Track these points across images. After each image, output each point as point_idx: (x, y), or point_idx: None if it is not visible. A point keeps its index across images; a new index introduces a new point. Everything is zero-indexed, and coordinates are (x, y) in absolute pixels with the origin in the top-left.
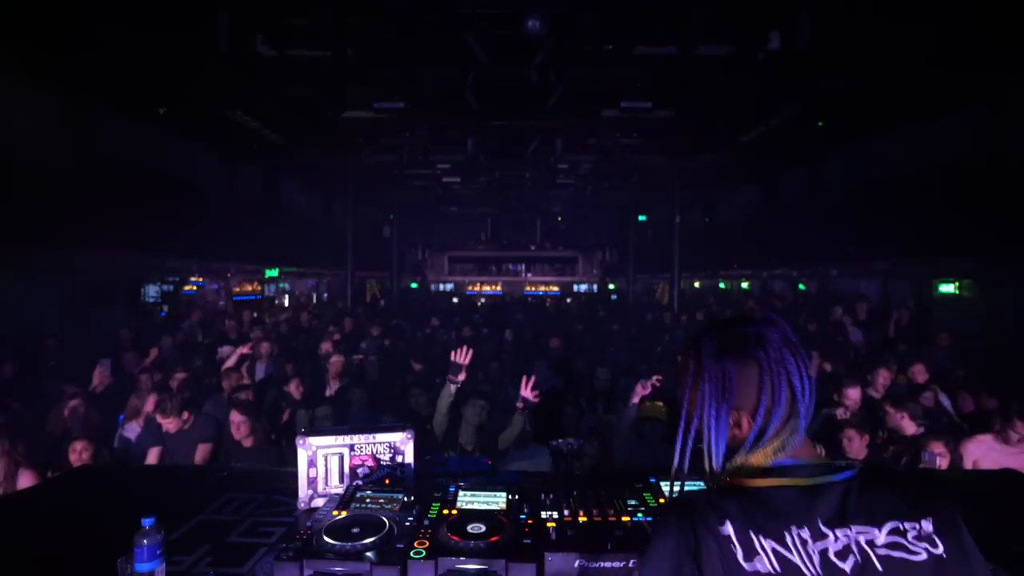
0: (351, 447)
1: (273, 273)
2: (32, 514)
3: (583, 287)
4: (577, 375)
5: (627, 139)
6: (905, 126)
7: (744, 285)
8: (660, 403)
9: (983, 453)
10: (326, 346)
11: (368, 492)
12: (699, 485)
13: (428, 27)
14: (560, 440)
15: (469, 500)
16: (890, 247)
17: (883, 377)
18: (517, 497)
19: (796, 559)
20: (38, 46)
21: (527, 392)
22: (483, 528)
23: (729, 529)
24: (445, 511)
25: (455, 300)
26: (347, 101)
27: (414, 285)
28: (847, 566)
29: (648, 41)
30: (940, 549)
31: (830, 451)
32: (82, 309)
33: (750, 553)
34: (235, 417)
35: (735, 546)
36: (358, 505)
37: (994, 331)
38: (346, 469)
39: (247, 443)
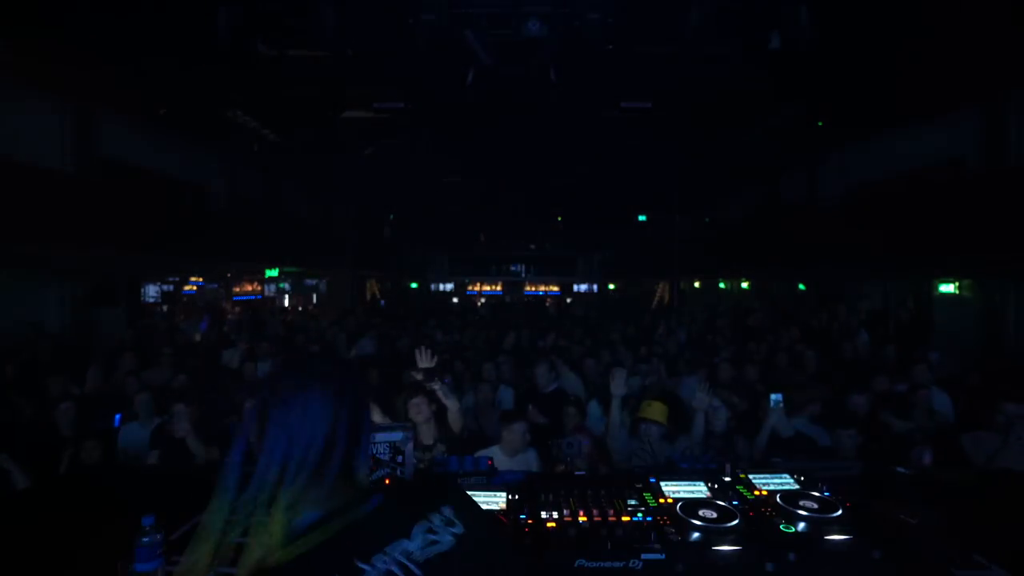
0: None
1: (273, 273)
2: (34, 513)
3: (583, 287)
4: (589, 376)
5: (627, 139)
6: (905, 126)
7: (744, 285)
8: (658, 403)
9: (981, 446)
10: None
11: None
12: (699, 484)
13: (428, 27)
14: (562, 440)
15: None
16: (890, 247)
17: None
18: (517, 497)
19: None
20: (38, 47)
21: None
22: None
23: None
24: None
25: (455, 300)
26: (347, 101)
27: (414, 285)
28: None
29: (648, 41)
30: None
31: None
32: (82, 309)
33: None
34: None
35: None
36: None
37: (994, 331)
38: None
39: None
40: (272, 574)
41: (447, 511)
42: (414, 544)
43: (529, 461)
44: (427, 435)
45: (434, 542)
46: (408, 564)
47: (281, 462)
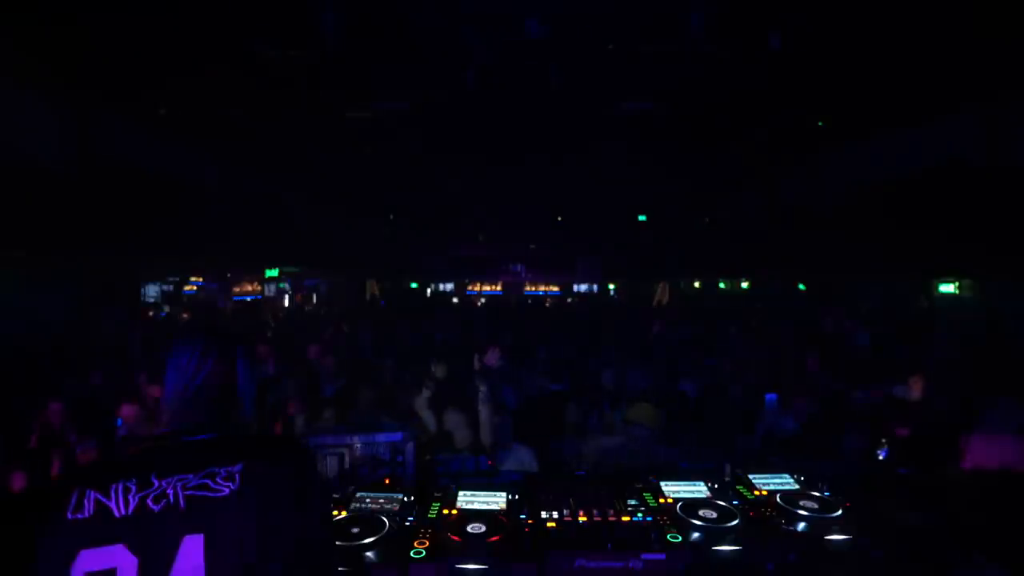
0: (351, 447)
1: (273, 273)
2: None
3: (583, 287)
4: (581, 375)
5: (627, 139)
6: (905, 126)
7: (744, 285)
8: (647, 404)
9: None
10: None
11: (368, 492)
12: (699, 484)
13: (428, 26)
14: (562, 441)
15: (469, 500)
16: (890, 247)
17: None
18: (517, 497)
19: (110, 504)
20: (37, 46)
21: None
22: (483, 528)
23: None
24: (445, 511)
25: (455, 300)
26: (347, 101)
27: (414, 285)
28: (158, 506)
29: (649, 41)
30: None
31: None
32: (82, 309)
33: (79, 506)
34: None
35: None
36: (358, 505)
37: (994, 331)
38: (346, 469)
39: None
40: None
41: (237, 468)
42: (193, 481)
43: (520, 454)
44: (462, 441)
45: (206, 487)
46: (178, 492)
47: (170, 394)
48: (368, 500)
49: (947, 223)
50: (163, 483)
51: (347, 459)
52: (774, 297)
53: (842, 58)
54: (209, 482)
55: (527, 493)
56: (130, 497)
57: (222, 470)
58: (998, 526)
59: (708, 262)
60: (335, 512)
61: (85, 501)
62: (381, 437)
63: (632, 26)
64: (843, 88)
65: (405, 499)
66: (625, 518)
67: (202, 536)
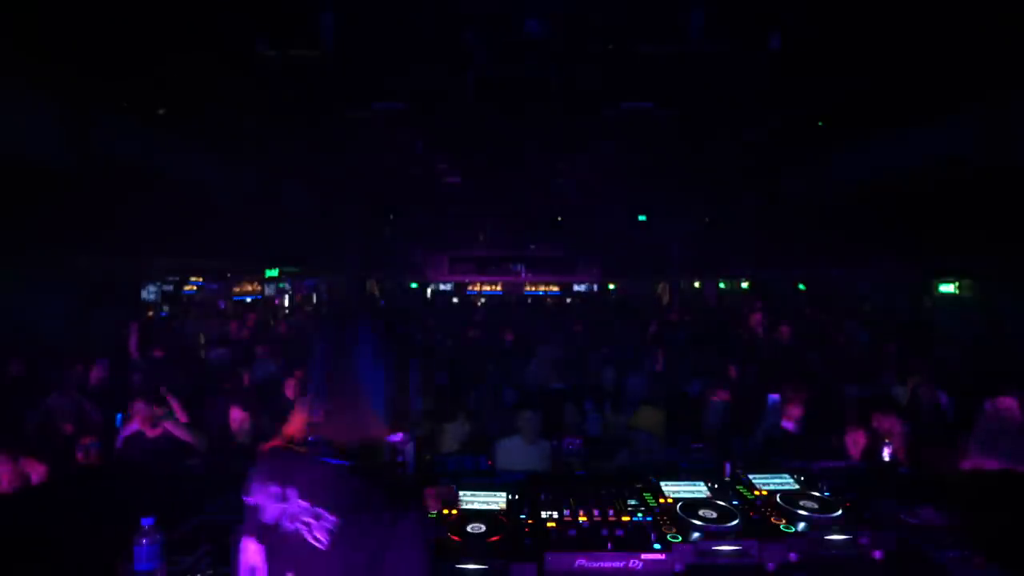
0: None
1: (273, 273)
2: (33, 513)
3: (583, 287)
4: (582, 374)
5: (628, 139)
6: (905, 126)
7: (744, 285)
8: (652, 408)
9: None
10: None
11: None
12: (699, 484)
13: (428, 27)
14: (563, 440)
15: (469, 500)
16: (890, 247)
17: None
18: (517, 497)
19: (262, 503)
20: (37, 45)
21: None
22: (483, 528)
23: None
24: (445, 511)
25: (455, 300)
26: (347, 101)
27: (414, 285)
28: (292, 526)
29: (649, 41)
30: (327, 545)
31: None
32: (82, 309)
33: (247, 491)
34: (235, 416)
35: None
36: None
37: (994, 331)
38: None
39: (248, 443)
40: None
41: (330, 523)
42: (307, 515)
43: (544, 448)
44: (452, 444)
45: (309, 527)
46: (297, 523)
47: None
48: None
49: (947, 223)
50: (299, 504)
51: None
52: (774, 297)
53: (842, 58)
54: (313, 524)
55: (527, 493)
56: (272, 507)
57: (327, 517)
58: (998, 526)
59: (708, 261)
60: None
61: (253, 490)
62: None
63: (631, 26)
64: (843, 88)
65: None
66: (625, 518)
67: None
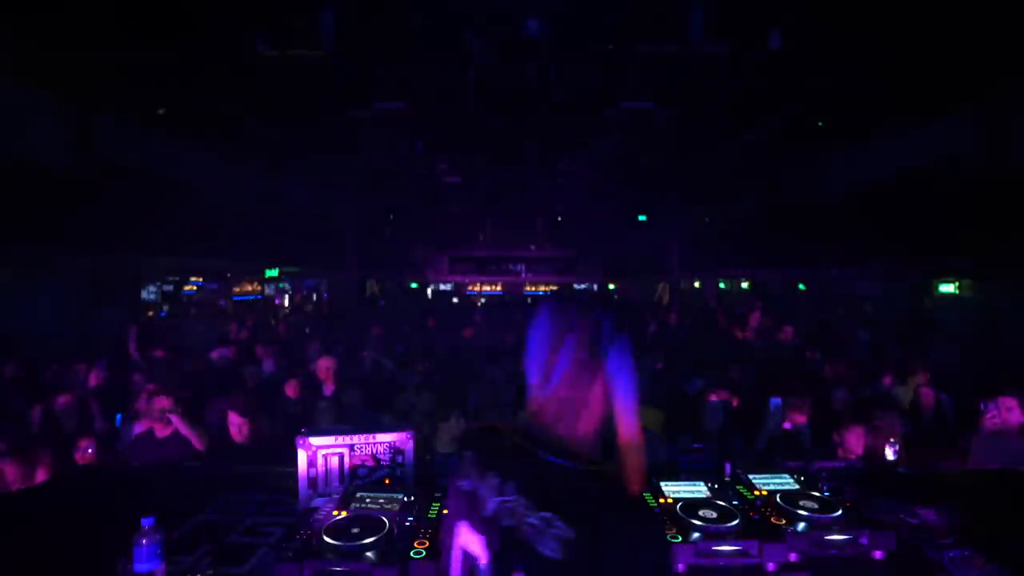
0: (351, 447)
1: (273, 273)
2: (33, 514)
3: (583, 287)
4: None
5: (628, 139)
6: (905, 126)
7: (744, 285)
8: (654, 408)
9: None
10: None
11: (368, 492)
12: (699, 484)
13: (428, 27)
14: None
15: None
16: (890, 247)
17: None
18: None
19: (482, 493)
20: (38, 46)
21: None
22: None
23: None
24: (445, 511)
25: (455, 300)
26: (347, 101)
27: (414, 285)
28: (506, 521)
29: (649, 41)
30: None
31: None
32: (82, 309)
33: (468, 475)
34: (235, 419)
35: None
36: (358, 505)
37: (993, 331)
38: (346, 469)
39: (247, 443)
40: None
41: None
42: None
43: None
44: (447, 446)
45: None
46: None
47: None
48: (368, 500)
49: (947, 223)
50: (515, 499)
51: (347, 459)
52: (775, 297)
53: (842, 58)
54: (542, 527)
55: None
56: (491, 496)
57: (559, 525)
58: (998, 526)
59: (708, 262)
60: (335, 512)
61: (470, 474)
62: (381, 437)
63: (631, 26)
64: (843, 88)
65: (405, 499)
66: None
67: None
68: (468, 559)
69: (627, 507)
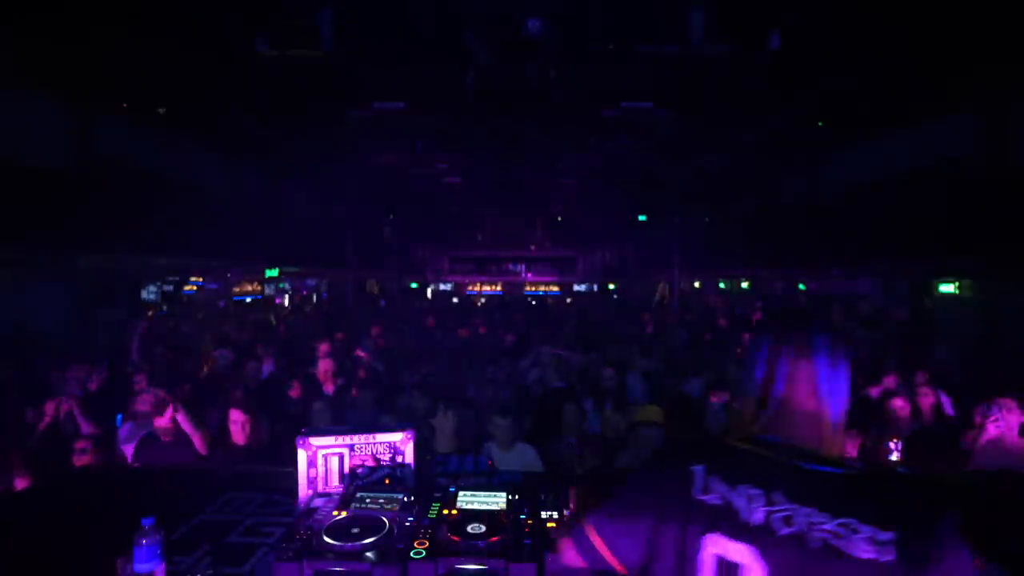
0: (351, 447)
1: (273, 273)
2: (33, 514)
3: (583, 287)
4: (583, 374)
5: (627, 139)
6: (905, 126)
7: (744, 285)
8: (654, 407)
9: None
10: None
11: (368, 492)
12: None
13: (428, 27)
14: (563, 440)
15: (469, 500)
16: (890, 247)
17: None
18: (517, 497)
19: (738, 505)
20: (38, 46)
21: None
22: (483, 528)
23: (697, 469)
24: (445, 511)
25: (455, 300)
26: (347, 101)
27: (414, 285)
28: (785, 531)
29: (649, 41)
30: (890, 558)
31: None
32: (82, 309)
33: (705, 489)
34: (237, 417)
35: (695, 482)
36: (358, 505)
37: (993, 331)
38: (346, 469)
39: (247, 443)
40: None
41: (888, 536)
42: (827, 525)
43: (525, 453)
44: (447, 445)
45: (838, 536)
46: (812, 529)
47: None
48: (368, 500)
49: (947, 223)
50: (790, 507)
51: (347, 459)
52: (775, 297)
53: (842, 59)
54: (843, 533)
55: (527, 493)
56: (756, 506)
57: (866, 528)
58: (998, 526)
59: (708, 262)
60: (335, 512)
61: (714, 487)
62: (381, 437)
63: (631, 27)
64: (843, 88)
65: (405, 499)
66: None
67: None
68: (726, 568)
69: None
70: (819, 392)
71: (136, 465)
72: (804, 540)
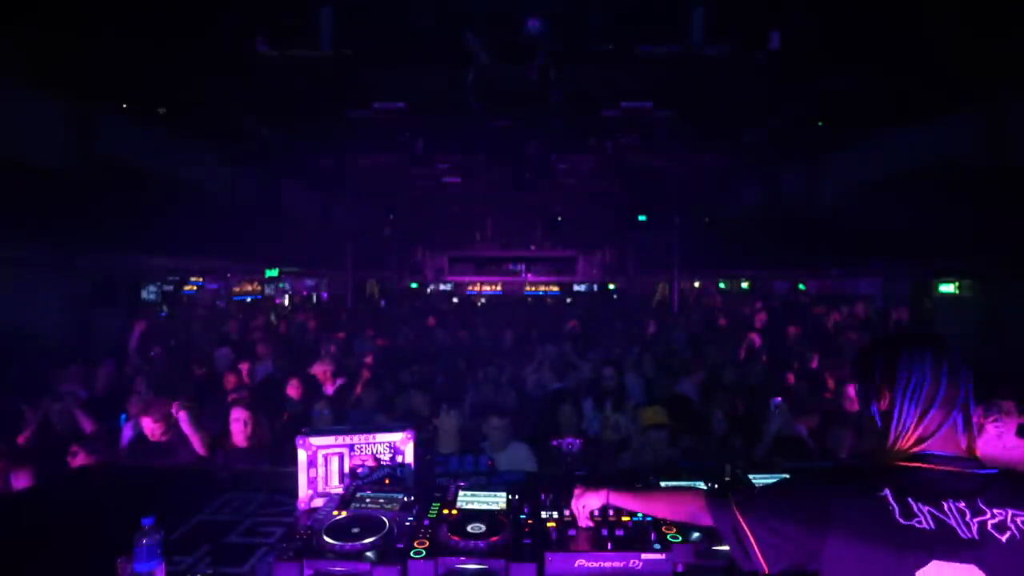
0: (351, 447)
1: (273, 273)
2: (33, 514)
3: (583, 287)
4: (583, 374)
5: (627, 139)
6: (905, 126)
7: (744, 285)
8: (659, 407)
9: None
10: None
11: (368, 492)
12: (699, 484)
13: (428, 27)
14: (561, 440)
15: (469, 500)
16: (890, 247)
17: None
18: (517, 497)
19: (952, 523)
20: (38, 45)
21: None
22: (483, 528)
23: (887, 493)
24: (445, 511)
25: (455, 300)
26: (347, 101)
27: (414, 285)
28: (1003, 537)
29: (649, 41)
30: None
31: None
32: (82, 309)
33: (908, 513)
34: (238, 415)
35: (892, 506)
36: (358, 505)
37: (994, 331)
38: (346, 469)
39: (247, 443)
40: None
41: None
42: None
43: (519, 452)
44: (451, 445)
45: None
46: (1020, 527)
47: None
48: (368, 500)
49: (947, 223)
50: (997, 512)
51: (347, 459)
52: (775, 297)
53: (842, 58)
54: None
55: (527, 493)
56: (968, 520)
57: None
58: None
59: (708, 261)
60: (335, 512)
61: (917, 510)
62: (381, 437)
63: (631, 27)
64: (843, 88)
65: (405, 499)
66: (625, 518)
67: None
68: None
69: None
70: (957, 411)
71: (136, 465)
72: (1020, 541)
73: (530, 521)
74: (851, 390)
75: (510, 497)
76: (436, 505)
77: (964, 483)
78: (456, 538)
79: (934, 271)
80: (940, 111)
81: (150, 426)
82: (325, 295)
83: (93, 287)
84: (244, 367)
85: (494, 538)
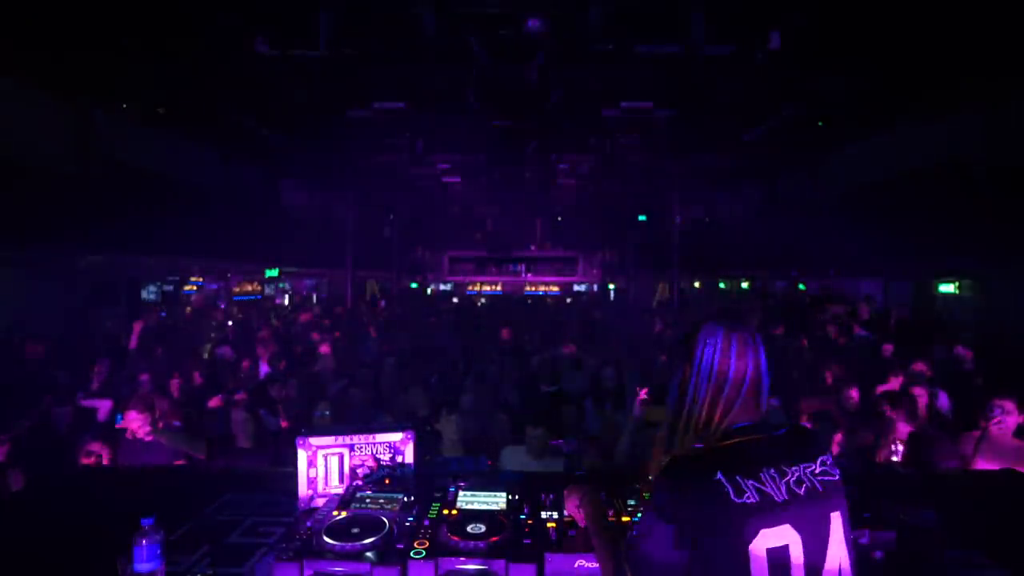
0: (351, 447)
1: (273, 273)
2: (33, 514)
3: (583, 287)
4: (582, 374)
5: (627, 139)
6: (905, 126)
7: (744, 285)
8: (659, 407)
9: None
10: (324, 349)
11: (368, 492)
12: None
13: (428, 27)
14: (560, 440)
15: (469, 500)
16: (890, 247)
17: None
18: (517, 497)
19: (769, 490)
20: (38, 46)
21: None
22: (483, 528)
23: (720, 477)
24: (445, 511)
25: (455, 300)
26: (347, 101)
27: (414, 285)
28: (801, 491)
29: (649, 41)
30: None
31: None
32: (82, 309)
33: (739, 491)
34: (237, 416)
35: (727, 488)
36: (358, 505)
37: (994, 331)
38: (346, 469)
39: (246, 443)
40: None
41: (828, 457)
42: (815, 468)
43: (549, 466)
44: (455, 450)
45: (827, 472)
46: (813, 479)
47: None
48: (368, 500)
49: (948, 223)
50: (793, 470)
51: (347, 459)
52: (775, 297)
53: (842, 57)
54: (826, 468)
55: (527, 493)
56: (779, 483)
57: (826, 457)
58: (998, 526)
59: (708, 261)
60: (335, 512)
61: (744, 486)
62: (381, 437)
63: (631, 27)
64: (843, 88)
65: (405, 499)
66: (625, 518)
67: (840, 513)
68: (776, 556)
69: None
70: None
71: (135, 465)
72: (815, 488)
73: (530, 521)
74: (853, 392)
75: (510, 497)
76: (436, 505)
77: (771, 448)
78: (456, 538)
79: (934, 271)
80: (940, 111)
81: (136, 420)
82: (324, 295)
83: (93, 287)
84: (245, 365)
85: (494, 538)
